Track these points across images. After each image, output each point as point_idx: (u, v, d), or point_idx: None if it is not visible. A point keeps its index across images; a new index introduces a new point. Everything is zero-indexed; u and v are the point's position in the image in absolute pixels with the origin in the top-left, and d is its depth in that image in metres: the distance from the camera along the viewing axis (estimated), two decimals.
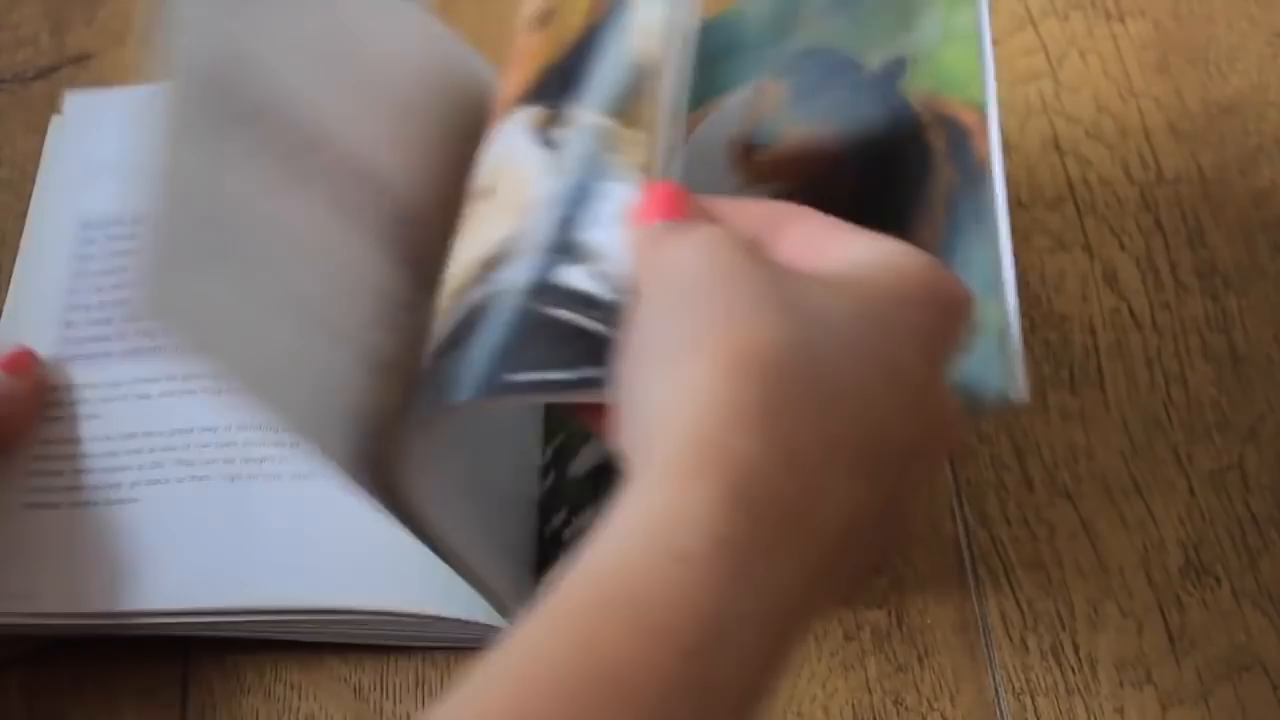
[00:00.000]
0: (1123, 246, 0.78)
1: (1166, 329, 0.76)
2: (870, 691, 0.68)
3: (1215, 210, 0.79)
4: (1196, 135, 0.81)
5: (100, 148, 0.79)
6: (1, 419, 0.71)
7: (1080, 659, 0.69)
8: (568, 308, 0.55)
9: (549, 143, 0.59)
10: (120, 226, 0.77)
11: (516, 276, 0.56)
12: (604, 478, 0.69)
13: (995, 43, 0.84)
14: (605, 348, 0.53)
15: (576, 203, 0.57)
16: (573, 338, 0.54)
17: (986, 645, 0.69)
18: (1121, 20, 0.84)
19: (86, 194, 0.78)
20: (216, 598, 0.68)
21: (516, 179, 0.59)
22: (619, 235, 0.55)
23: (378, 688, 0.69)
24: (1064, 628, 0.69)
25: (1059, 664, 0.69)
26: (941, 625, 0.70)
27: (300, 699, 0.69)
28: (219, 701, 0.69)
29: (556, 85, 0.61)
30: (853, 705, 0.68)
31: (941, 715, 0.68)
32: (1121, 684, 0.68)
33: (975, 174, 0.60)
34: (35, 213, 0.78)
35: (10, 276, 0.79)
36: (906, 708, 0.68)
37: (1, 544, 0.69)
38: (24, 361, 0.72)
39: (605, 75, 0.60)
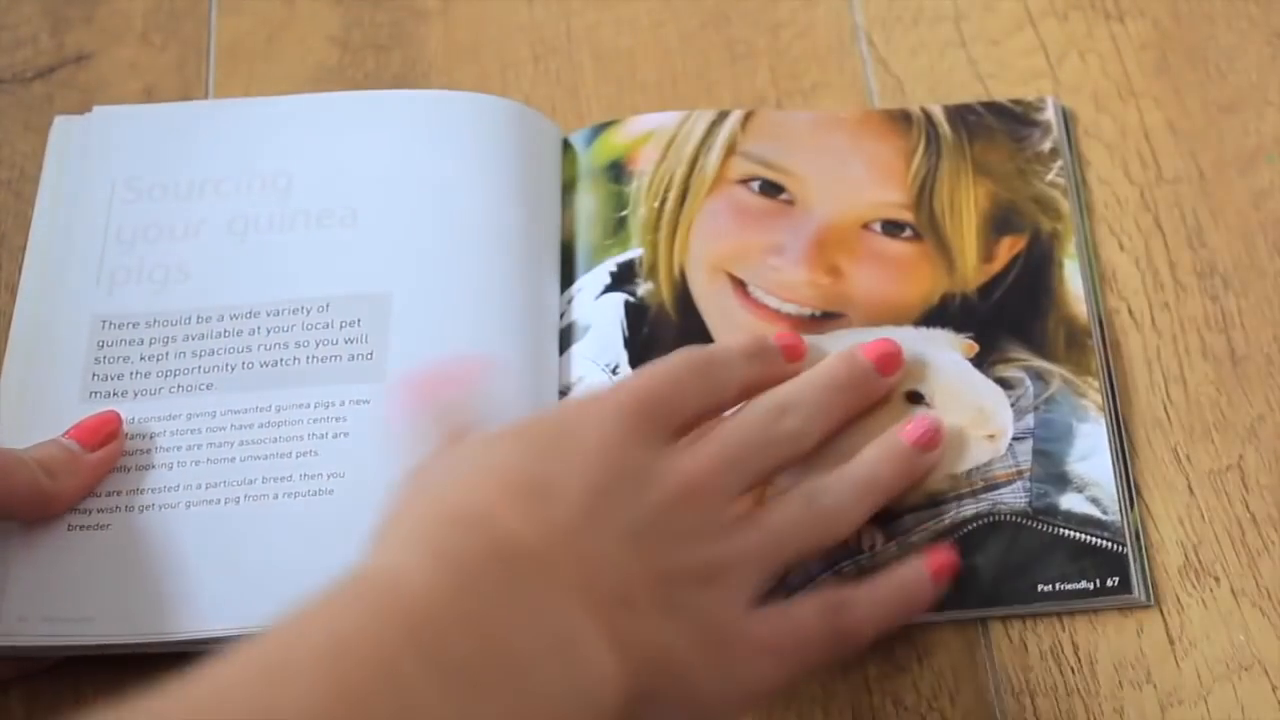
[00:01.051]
0: (1122, 247, 0.78)
1: (1166, 329, 0.76)
2: (870, 692, 0.68)
3: (1215, 210, 0.79)
4: (1196, 135, 0.81)
5: (126, 162, 0.79)
6: (59, 492, 0.69)
7: (1080, 659, 0.69)
8: (1076, 528, 0.70)
9: (999, 380, 0.73)
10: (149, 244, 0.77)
11: (1013, 500, 0.70)
12: None
13: (995, 43, 0.84)
14: (1116, 560, 0.69)
15: (1055, 439, 0.72)
16: (1085, 552, 0.69)
17: (986, 645, 0.69)
18: (1121, 20, 0.84)
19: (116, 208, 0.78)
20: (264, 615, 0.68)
21: (969, 404, 0.73)
22: (1108, 469, 0.71)
23: None
24: (1063, 628, 0.69)
25: (1058, 664, 0.69)
26: (941, 625, 0.70)
27: None
28: None
29: (967, 318, 0.75)
30: (852, 705, 0.68)
31: (941, 715, 0.68)
32: (1121, 684, 0.68)
33: None
34: (50, 224, 0.78)
35: (7, 277, 0.78)
36: (906, 708, 0.68)
37: (50, 566, 0.69)
38: (102, 431, 0.71)
39: (1040, 329, 0.75)
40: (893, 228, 0.78)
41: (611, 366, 0.75)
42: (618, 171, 0.80)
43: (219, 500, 0.70)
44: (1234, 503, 0.72)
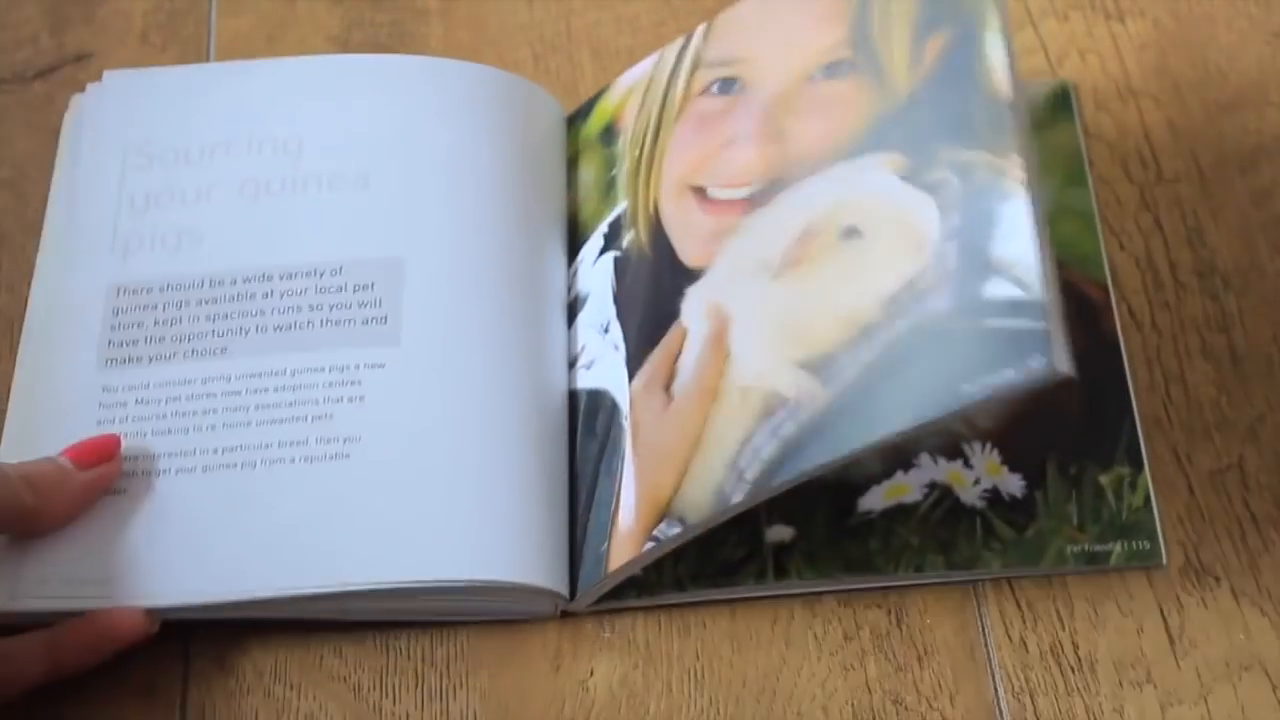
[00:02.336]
0: (1122, 246, 0.78)
1: (1166, 329, 0.76)
2: (870, 691, 0.68)
3: (1215, 210, 0.79)
4: (1196, 135, 0.81)
5: (142, 128, 0.79)
6: (42, 508, 0.69)
7: (1080, 659, 0.69)
8: (999, 316, 0.65)
9: (928, 187, 0.69)
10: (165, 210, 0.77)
11: (939, 304, 0.66)
12: None
13: None
14: (1043, 339, 0.63)
15: (978, 229, 0.67)
16: (1008, 340, 0.64)
17: (986, 645, 0.69)
18: (1121, 20, 0.84)
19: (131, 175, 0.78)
20: (268, 581, 0.68)
21: (901, 221, 0.69)
22: (1030, 243, 0.65)
23: (377, 688, 0.69)
24: (1063, 628, 0.69)
25: (1059, 664, 0.69)
26: (941, 625, 0.70)
27: (300, 699, 0.69)
28: (219, 701, 0.69)
29: (898, 133, 0.71)
30: (852, 705, 0.68)
31: (941, 715, 0.68)
32: (1121, 684, 0.68)
33: (1106, 348, 0.70)
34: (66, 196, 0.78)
35: (7, 277, 0.79)
36: (906, 708, 0.68)
37: (68, 531, 0.69)
38: (99, 453, 0.70)
39: (964, 118, 0.69)
40: (831, 70, 0.75)
41: (603, 326, 0.75)
42: (609, 134, 0.80)
43: (235, 464, 0.70)
44: (1234, 503, 0.72)
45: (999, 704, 0.68)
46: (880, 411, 0.66)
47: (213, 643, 0.70)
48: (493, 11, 0.86)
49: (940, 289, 0.67)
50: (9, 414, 0.72)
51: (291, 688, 0.69)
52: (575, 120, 0.82)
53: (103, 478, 0.70)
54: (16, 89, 0.84)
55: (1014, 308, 0.65)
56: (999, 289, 0.66)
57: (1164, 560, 0.70)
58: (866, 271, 0.69)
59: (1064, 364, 0.63)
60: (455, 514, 0.69)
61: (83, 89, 0.82)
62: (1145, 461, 0.72)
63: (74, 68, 0.82)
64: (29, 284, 0.76)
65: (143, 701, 0.69)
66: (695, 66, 0.79)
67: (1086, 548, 0.70)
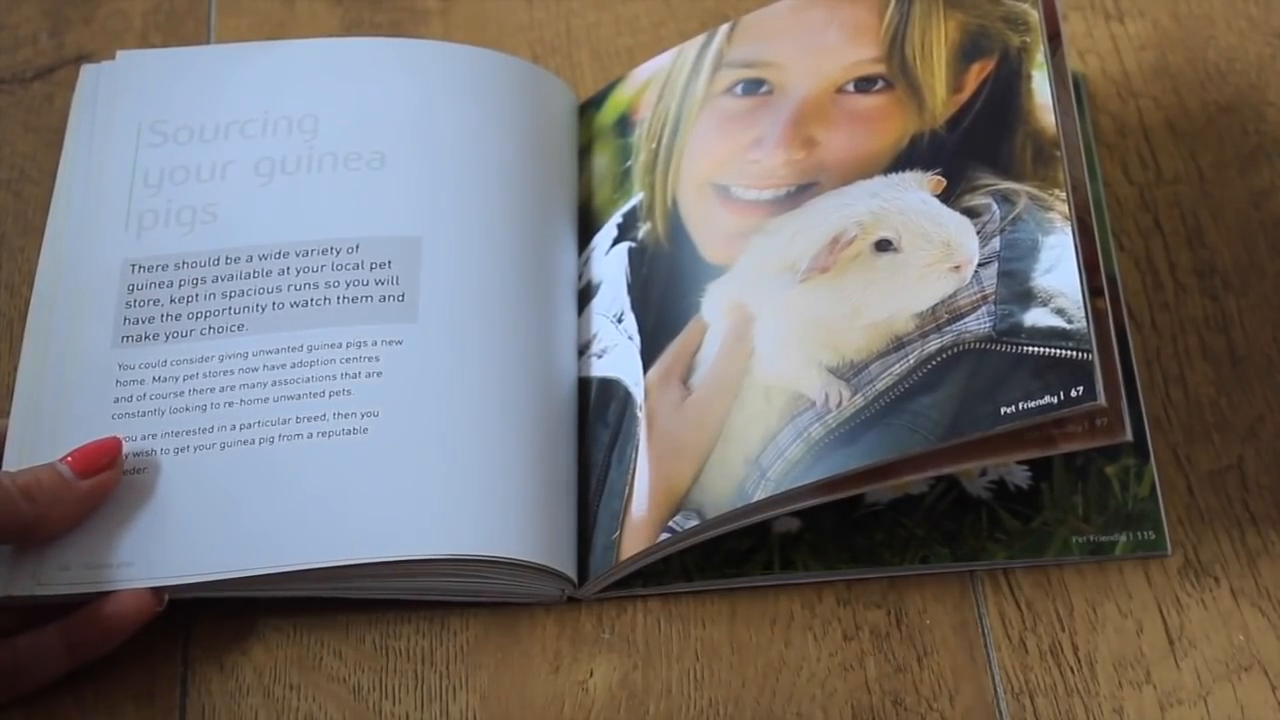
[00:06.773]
0: (1122, 247, 0.78)
1: (1165, 329, 0.76)
2: (870, 692, 0.68)
3: (1215, 210, 0.79)
4: (1196, 135, 0.81)
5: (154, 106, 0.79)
6: (41, 518, 0.68)
7: (1079, 659, 0.69)
8: (1041, 343, 0.67)
9: (966, 210, 0.71)
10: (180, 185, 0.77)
11: (977, 326, 0.68)
12: None
13: None
14: (1087, 370, 0.66)
15: (1019, 257, 0.69)
16: (1049, 366, 0.66)
17: (985, 645, 0.69)
18: (1121, 20, 0.84)
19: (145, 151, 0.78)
20: (271, 556, 0.69)
21: (936, 240, 0.71)
22: (1074, 276, 0.68)
23: (377, 688, 0.69)
24: (1063, 628, 0.69)
25: (1058, 664, 0.69)
26: (941, 625, 0.70)
27: (299, 699, 0.69)
28: (219, 702, 0.69)
29: (935, 155, 0.73)
30: (852, 705, 0.68)
31: (941, 715, 0.68)
32: (1120, 684, 0.68)
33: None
34: (78, 169, 0.77)
35: (7, 277, 0.79)
36: (906, 708, 0.68)
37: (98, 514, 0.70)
38: (100, 459, 0.69)
39: (1007, 150, 0.72)
40: (865, 84, 0.76)
41: (616, 316, 0.75)
42: (624, 125, 0.80)
43: (254, 440, 0.70)
44: (1234, 503, 0.72)
45: (999, 704, 0.68)
46: (913, 424, 0.67)
47: (213, 644, 0.70)
48: (492, 12, 0.86)
49: (978, 311, 0.69)
50: (16, 391, 0.72)
51: (291, 688, 0.69)
52: (587, 109, 0.82)
53: (103, 485, 0.69)
54: (16, 89, 0.84)
55: (1056, 336, 0.67)
56: (1041, 317, 0.68)
57: (1169, 549, 0.70)
58: (900, 285, 0.71)
59: (1104, 396, 0.65)
60: (470, 490, 0.70)
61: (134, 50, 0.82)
62: (1151, 451, 0.72)
63: (74, 68, 0.82)
64: (29, 285, 0.76)
65: (142, 702, 0.69)
66: (718, 65, 0.79)
67: (1092, 538, 0.70)
